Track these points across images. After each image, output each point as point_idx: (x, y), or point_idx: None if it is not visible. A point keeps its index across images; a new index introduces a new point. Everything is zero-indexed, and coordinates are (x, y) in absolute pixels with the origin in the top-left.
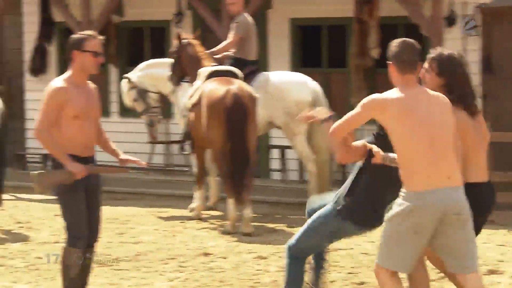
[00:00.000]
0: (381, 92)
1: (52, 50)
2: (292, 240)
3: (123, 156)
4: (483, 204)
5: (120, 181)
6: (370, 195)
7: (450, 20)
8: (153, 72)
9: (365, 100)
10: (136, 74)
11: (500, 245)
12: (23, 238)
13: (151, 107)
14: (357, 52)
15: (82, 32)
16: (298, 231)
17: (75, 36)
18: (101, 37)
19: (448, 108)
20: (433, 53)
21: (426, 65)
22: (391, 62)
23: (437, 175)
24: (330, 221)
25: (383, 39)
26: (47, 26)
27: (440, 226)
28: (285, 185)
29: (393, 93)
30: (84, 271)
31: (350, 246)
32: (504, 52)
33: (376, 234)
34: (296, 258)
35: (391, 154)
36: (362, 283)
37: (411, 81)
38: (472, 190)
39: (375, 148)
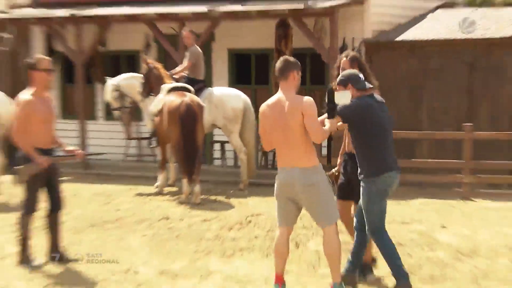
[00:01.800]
0: None
1: (56, 73)
2: (367, 227)
3: (68, 148)
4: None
5: (106, 166)
6: (367, 149)
7: (343, 50)
8: (131, 82)
9: None
10: (120, 80)
11: None
12: None
13: (124, 106)
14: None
15: (33, 56)
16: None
17: (29, 59)
18: (49, 58)
19: (297, 111)
20: (347, 54)
21: (346, 64)
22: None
23: (289, 159)
24: (367, 191)
25: None
26: (51, 54)
27: (296, 194)
28: (224, 169)
29: (265, 104)
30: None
31: None
32: (381, 74)
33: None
34: (379, 233)
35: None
36: None
37: (283, 85)
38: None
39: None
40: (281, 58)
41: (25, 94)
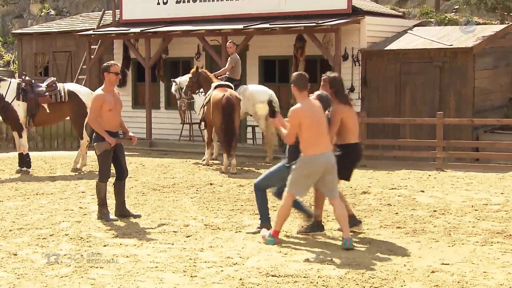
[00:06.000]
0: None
1: (130, 74)
2: (257, 181)
3: (130, 134)
4: (357, 155)
5: (165, 144)
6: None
7: (344, 57)
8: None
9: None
10: (181, 79)
11: (369, 178)
12: None
13: (182, 97)
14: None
15: (108, 62)
16: (261, 175)
17: (104, 64)
18: (118, 64)
19: (322, 110)
20: (326, 75)
21: (323, 82)
22: (293, 85)
23: (324, 146)
24: (282, 171)
25: (308, 67)
26: (127, 60)
27: (323, 173)
28: (254, 146)
29: (298, 106)
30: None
31: None
32: (373, 75)
33: None
34: (261, 190)
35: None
36: None
37: (305, 95)
38: (351, 147)
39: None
40: (299, 74)
41: (98, 90)
